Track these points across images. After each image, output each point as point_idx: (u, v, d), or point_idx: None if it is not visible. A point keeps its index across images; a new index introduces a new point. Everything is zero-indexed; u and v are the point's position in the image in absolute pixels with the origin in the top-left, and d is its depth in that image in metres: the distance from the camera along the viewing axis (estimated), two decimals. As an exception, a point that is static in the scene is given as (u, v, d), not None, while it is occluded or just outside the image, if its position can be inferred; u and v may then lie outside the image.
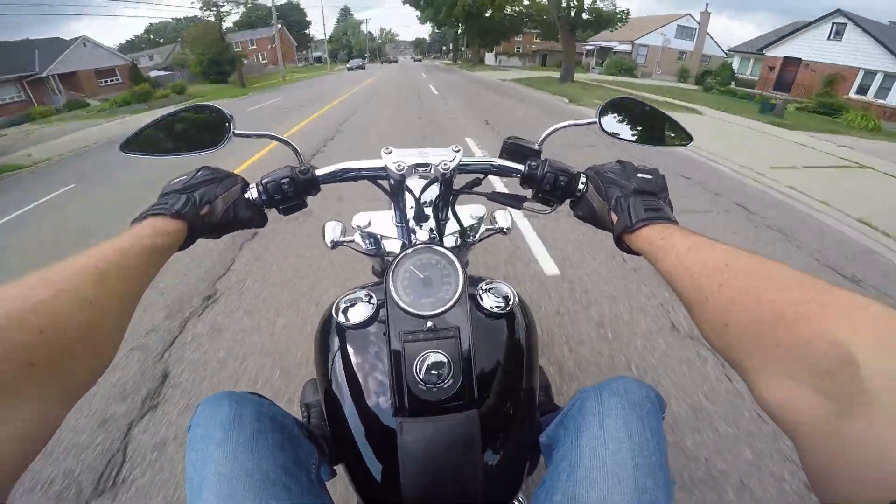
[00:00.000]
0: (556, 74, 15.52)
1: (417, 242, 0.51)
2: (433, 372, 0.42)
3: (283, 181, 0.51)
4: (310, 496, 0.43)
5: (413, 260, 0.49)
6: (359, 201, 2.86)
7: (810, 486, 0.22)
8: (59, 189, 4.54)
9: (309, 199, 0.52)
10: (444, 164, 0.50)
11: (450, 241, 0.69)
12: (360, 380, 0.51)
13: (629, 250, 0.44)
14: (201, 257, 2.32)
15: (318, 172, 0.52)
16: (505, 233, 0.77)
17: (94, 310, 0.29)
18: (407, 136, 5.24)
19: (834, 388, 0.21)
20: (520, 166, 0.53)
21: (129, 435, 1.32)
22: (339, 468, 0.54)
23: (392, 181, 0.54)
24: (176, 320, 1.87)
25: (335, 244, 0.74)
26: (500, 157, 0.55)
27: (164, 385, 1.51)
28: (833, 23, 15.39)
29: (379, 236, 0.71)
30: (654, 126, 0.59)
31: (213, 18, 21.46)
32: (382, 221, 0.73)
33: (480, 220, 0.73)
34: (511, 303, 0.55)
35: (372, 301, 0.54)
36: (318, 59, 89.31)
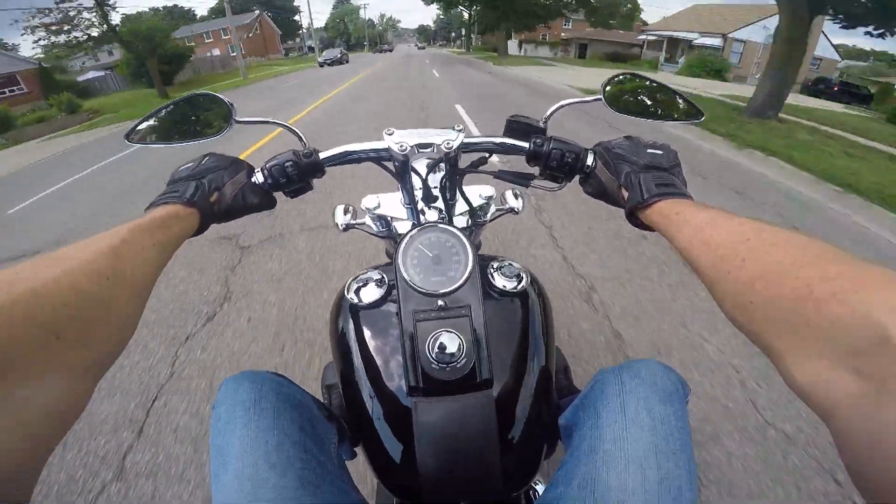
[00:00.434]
0: (614, 71, 9.56)
1: (426, 223, 0.52)
2: (446, 351, 0.43)
3: (287, 165, 0.53)
4: (330, 475, 0.45)
5: (421, 239, 0.50)
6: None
7: (848, 473, 0.21)
8: None
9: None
10: (448, 144, 0.52)
11: (460, 221, 0.71)
12: (375, 360, 0.53)
13: (642, 226, 0.45)
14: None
15: (322, 155, 0.54)
16: (516, 212, 0.77)
17: (110, 285, 0.30)
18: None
19: (870, 368, 0.20)
20: (524, 144, 0.54)
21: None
22: (360, 449, 0.55)
23: (396, 163, 0.56)
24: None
25: (347, 227, 0.74)
26: (504, 135, 0.56)
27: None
28: None
29: (389, 218, 0.73)
30: (661, 101, 0.60)
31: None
32: (392, 203, 0.73)
33: (490, 199, 0.74)
34: (524, 282, 0.57)
35: (384, 281, 0.56)
36: (312, 49, 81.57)
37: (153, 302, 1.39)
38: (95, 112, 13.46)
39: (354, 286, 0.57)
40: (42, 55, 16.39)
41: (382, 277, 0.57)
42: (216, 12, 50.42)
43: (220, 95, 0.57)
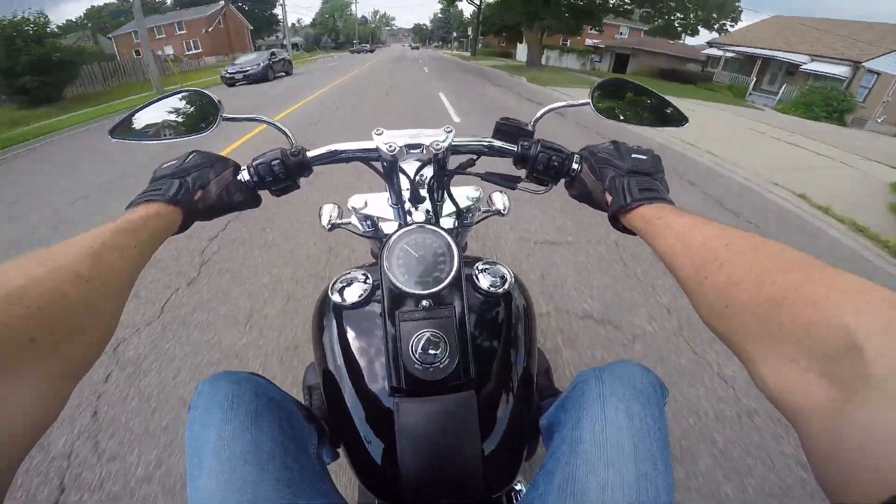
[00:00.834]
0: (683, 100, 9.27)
1: (413, 223, 0.54)
2: (429, 351, 0.45)
3: (273, 163, 0.54)
4: (308, 476, 0.46)
5: (407, 239, 0.52)
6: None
7: (814, 475, 0.23)
8: None
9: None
10: (436, 145, 0.53)
11: (447, 222, 0.74)
12: (358, 360, 0.55)
13: (624, 229, 0.48)
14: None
15: (309, 154, 0.56)
16: (502, 214, 0.81)
17: (90, 287, 0.31)
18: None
19: (839, 373, 0.21)
20: (512, 147, 0.57)
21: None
22: (342, 451, 0.57)
23: (385, 163, 0.58)
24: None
25: (332, 226, 0.76)
26: (493, 137, 0.58)
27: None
28: None
29: (376, 218, 0.75)
30: (648, 107, 0.63)
31: None
32: (379, 203, 0.76)
33: (477, 201, 0.77)
34: (508, 283, 0.59)
35: (368, 281, 0.58)
36: (296, 46, 73.79)
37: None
38: None
39: (338, 286, 0.59)
40: None
41: (367, 277, 0.59)
42: (183, 3, 42.83)
43: (207, 92, 0.58)
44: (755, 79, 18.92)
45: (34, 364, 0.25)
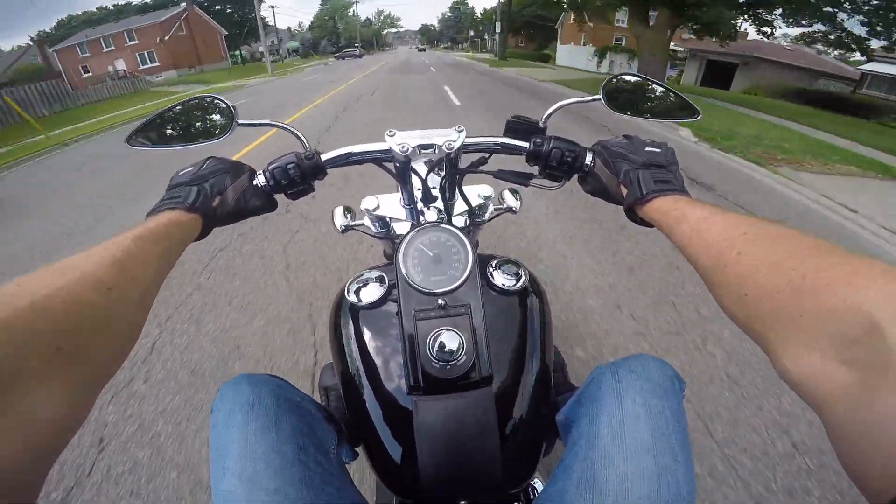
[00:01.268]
0: None
1: (426, 222, 0.57)
2: (446, 349, 0.47)
3: (289, 167, 0.57)
4: (329, 477, 0.49)
5: (422, 238, 0.55)
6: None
7: (840, 462, 0.23)
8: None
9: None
10: (449, 144, 0.56)
11: (459, 221, 0.77)
12: (375, 360, 0.58)
13: (641, 222, 0.50)
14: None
15: (324, 157, 0.59)
16: (514, 212, 0.85)
17: (113, 296, 0.33)
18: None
19: (861, 358, 0.22)
20: (524, 143, 0.59)
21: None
22: (360, 450, 0.61)
23: (397, 163, 0.61)
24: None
25: (346, 228, 0.81)
26: (505, 135, 0.61)
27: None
28: None
29: (388, 219, 0.79)
30: (660, 101, 0.65)
31: None
32: (391, 204, 0.80)
33: (488, 199, 0.82)
34: (523, 280, 0.61)
35: (384, 280, 0.61)
36: (295, 52, 66.47)
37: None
38: None
39: (354, 286, 0.61)
40: None
41: (382, 277, 0.61)
42: (145, 8, 35.54)
43: (221, 98, 0.61)
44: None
45: (60, 372, 0.26)
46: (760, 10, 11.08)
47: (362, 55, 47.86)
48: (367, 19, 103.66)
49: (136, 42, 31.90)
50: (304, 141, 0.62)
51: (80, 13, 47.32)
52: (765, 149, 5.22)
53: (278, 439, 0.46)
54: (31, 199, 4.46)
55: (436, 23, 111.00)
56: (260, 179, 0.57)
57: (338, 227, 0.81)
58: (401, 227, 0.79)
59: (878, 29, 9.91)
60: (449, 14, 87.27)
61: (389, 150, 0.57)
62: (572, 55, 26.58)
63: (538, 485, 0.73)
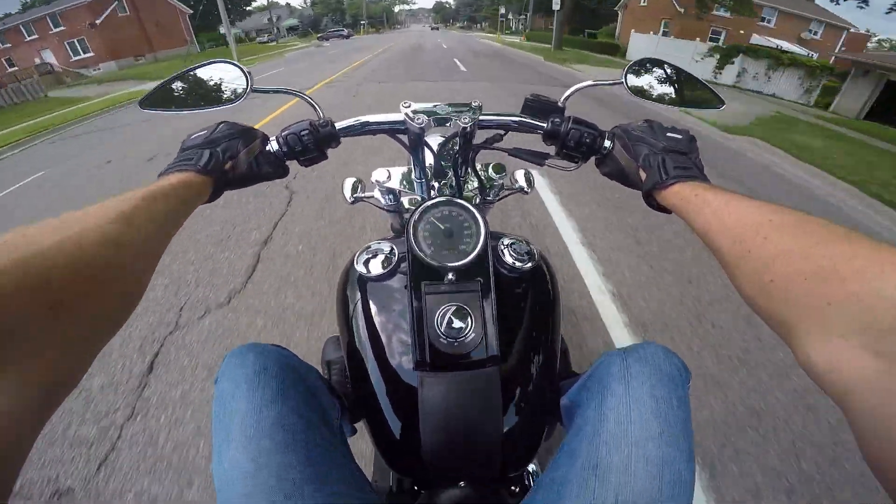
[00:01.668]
0: None
1: (437, 197, 0.59)
2: (454, 325, 0.48)
3: (302, 133, 0.58)
4: (333, 449, 0.51)
5: (434, 212, 0.56)
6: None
7: (864, 455, 0.23)
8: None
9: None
10: (464, 119, 0.57)
11: (470, 198, 0.80)
12: (382, 333, 0.59)
13: (659, 208, 0.51)
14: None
15: (338, 125, 0.62)
16: (526, 192, 0.88)
17: (119, 249, 0.33)
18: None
19: (890, 349, 0.22)
20: (542, 123, 0.61)
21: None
22: (360, 426, 0.63)
23: (411, 135, 0.63)
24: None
25: (356, 200, 0.85)
26: (522, 113, 0.63)
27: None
28: None
29: (398, 191, 0.83)
30: (683, 87, 0.66)
31: None
32: (401, 177, 0.83)
33: (501, 178, 0.84)
34: (534, 259, 0.62)
35: (393, 252, 0.61)
36: (294, 30, 58.13)
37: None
38: None
39: (363, 257, 0.60)
40: None
41: (392, 249, 0.61)
42: None
43: (235, 63, 0.63)
44: None
45: (55, 330, 0.26)
46: None
47: (350, 35, 42.97)
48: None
49: (63, 28, 25.60)
50: (319, 109, 0.65)
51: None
52: None
53: (284, 411, 0.47)
54: None
55: (451, 0, 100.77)
56: (273, 145, 0.59)
57: (348, 199, 0.84)
58: (410, 202, 0.82)
59: None
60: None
61: (404, 122, 0.58)
62: (658, 49, 18.34)
63: (534, 470, 0.74)
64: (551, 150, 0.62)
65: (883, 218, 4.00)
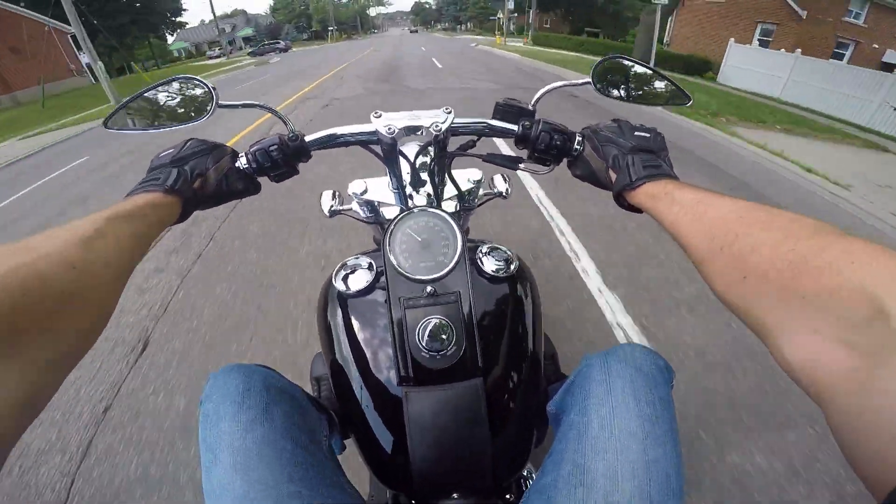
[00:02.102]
0: None
1: (414, 207, 0.61)
2: (435, 338, 0.50)
3: (271, 149, 0.59)
4: (322, 467, 0.52)
5: (409, 223, 0.58)
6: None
7: (842, 451, 0.24)
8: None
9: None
10: (436, 126, 0.58)
11: (449, 206, 0.83)
12: (365, 349, 0.61)
13: (630, 207, 0.54)
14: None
15: (308, 138, 0.63)
16: (504, 197, 0.92)
17: (79, 275, 0.34)
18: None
19: (864, 341, 0.23)
20: (513, 127, 0.63)
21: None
22: (349, 443, 0.65)
23: (384, 146, 0.65)
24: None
25: (333, 213, 0.86)
26: (494, 118, 0.66)
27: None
28: None
29: (376, 203, 0.85)
30: (650, 85, 0.68)
31: None
32: (379, 188, 0.86)
33: (478, 183, 0.87)
34: (512, 266, 0.65)
35: (372, 267, 0.64)
36: (249, 40, 50.55)
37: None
38: None
39: (342, 273, 0.64)
40: None
41: (371, 264, 0.65)
42: None
43: (200, 78, 0.63)
44: None
45: (17, 352, 0.28)
46: None
47: (289, 48, 38.95)
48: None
49: None
50: (289, 123, 0.66)
51: None
52: None
53: (270, 431, 0.49)
54: None
55: (431, 0, 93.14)
56: (242, 162, 0.60)
57: (325, 212, 0.85)
58: (389, 212, 0.84)
59: None
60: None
61: (376, 132, 0.60)
62: (796, 73, 10.29)
63: (530, 473, 0.78)
64: (524, 153, 0.65)
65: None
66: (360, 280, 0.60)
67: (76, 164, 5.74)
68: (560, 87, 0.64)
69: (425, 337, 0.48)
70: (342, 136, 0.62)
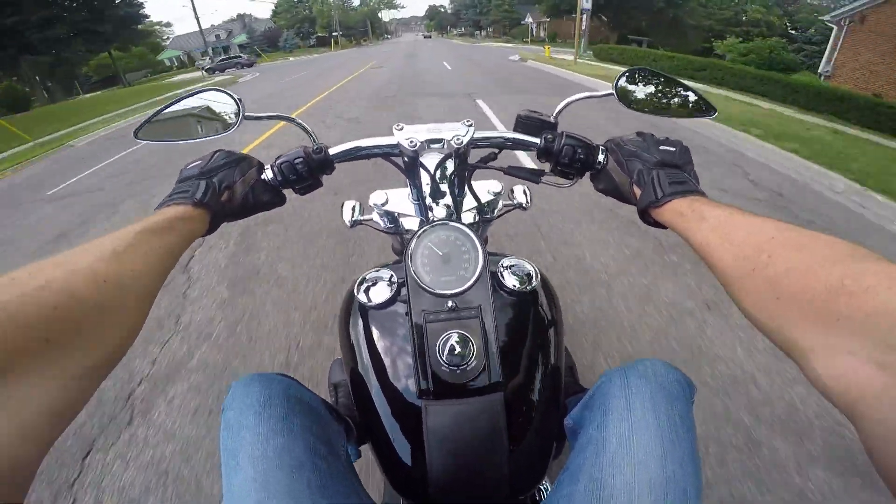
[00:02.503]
0: None
1: (434, 219, 0.64)
2: (456, 353, 0.51)
3: (296, 161, 0.62)
4: (340, 476, 0.54)
5: (431, 237, 0.60)
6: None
7: (876, 469, 0.24)
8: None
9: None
10: (457, 139, 0.62)
11: (468, 217, 0.86)
12: (385, 360, 0.64)
13: (655, 224, 0.55)
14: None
15: (332, 151, 0.67)
16: (524, 208, 0.95)
17: (110, 288, 0.36)
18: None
19: None
20: (535, 140, 0.66)
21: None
22: (365, 449, 0.70)
23: (406, 158, 0.69)
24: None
25: (354, 223, 0.92)
26: (515, 130, 0.70)
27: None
28: None
29: (396, 214, 0.88)
30: (674, 97, 0.70)
31: None
32: (400, 199, 0.88)
33: (498, 195, 0.90)
34: (534, 281, 0.68)
35: (393, 280, 0.67)
36: (244, 48, 46.09)
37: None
38: None
39: (364, 286, 0.67)
40: None
41: (392, 277, 0.68)
42: None
43: (227, 91, 0.69)
44: None
45: (51, 363, 0.30)
46: None
47: (252, 63, 34.54)
48: None
49: None
50: (312, 135, 0.71)
51: None
52: None
53: (289, 441, 0.51)
54: None
55: (447, 3, 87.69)
56: (268, 174, 0.64)
57: (347, 223, 0.91)
58: (410, 223, 0.87)
59: None
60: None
61: (398, 145, 0.64)
62: None
63: (545, 487, 0.79)
64: (546, 166, 0.68)
65: None
66: (381, 293, 0.62)
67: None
68: (582, 98, 0.67)
69: (446, 351, 0.50)
70: (365, 148, 0.66)
